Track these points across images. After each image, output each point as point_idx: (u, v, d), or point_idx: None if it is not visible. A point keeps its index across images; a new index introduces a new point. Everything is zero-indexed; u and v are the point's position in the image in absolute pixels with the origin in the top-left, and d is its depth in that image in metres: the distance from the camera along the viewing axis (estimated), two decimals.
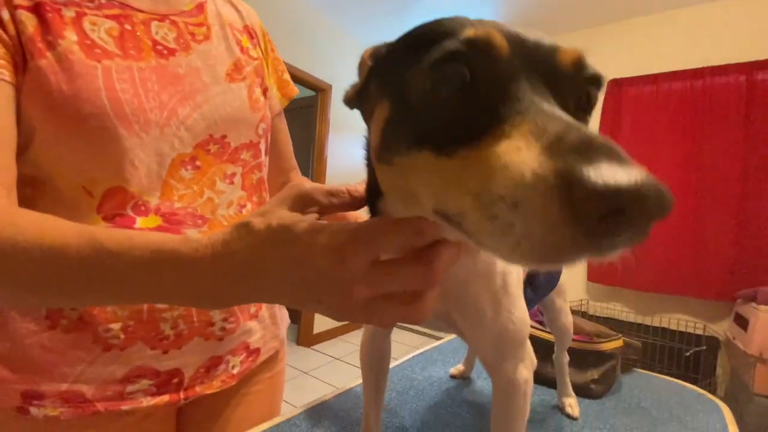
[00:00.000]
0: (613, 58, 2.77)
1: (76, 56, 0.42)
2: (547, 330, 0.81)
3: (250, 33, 0.62)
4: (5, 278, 0.32)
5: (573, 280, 2.87)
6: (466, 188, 0.17)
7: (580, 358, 0.77)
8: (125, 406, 0.47)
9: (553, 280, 0.60)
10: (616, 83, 2.72)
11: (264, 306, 0.59)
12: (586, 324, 0.94)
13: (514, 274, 0.37)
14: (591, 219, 0.13)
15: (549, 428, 0.64)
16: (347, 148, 3.24)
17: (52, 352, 0.45)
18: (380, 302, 0.26)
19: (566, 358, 0.69)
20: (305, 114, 3.28)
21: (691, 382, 0.85)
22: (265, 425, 0.58)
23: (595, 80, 0.20)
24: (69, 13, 0.44)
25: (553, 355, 0.70)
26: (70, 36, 0.43)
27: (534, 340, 0.79)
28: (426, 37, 0.20)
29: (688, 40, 2.57)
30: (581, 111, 0.20)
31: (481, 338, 0.37)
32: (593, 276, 2.77)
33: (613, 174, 0.13)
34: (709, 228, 2.39)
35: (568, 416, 0.66)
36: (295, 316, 2.12)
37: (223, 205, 0.53)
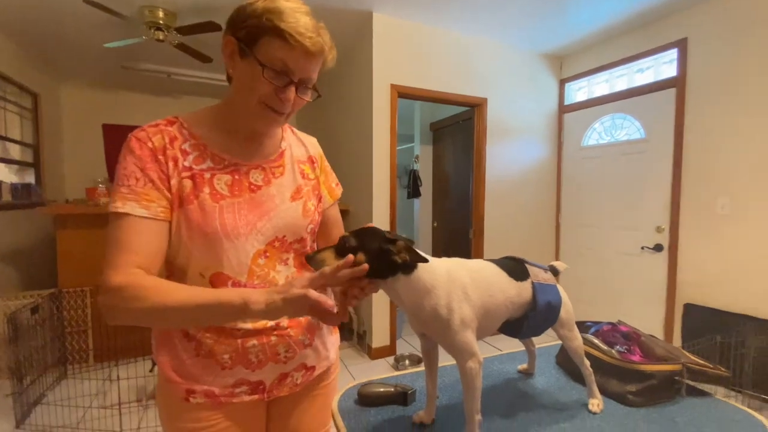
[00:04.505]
0: None
1: (207, 202, 0.71)
2: (603, 349, 1.00)
3: (312, 160, 0.90)
4: (148, 316, 0.63)
5: None
6: None
7: (623, 373, 0.94)
8: (235, 400, 0.77)
9: (549, 319, 0.84)
10: None
11: (316, 338, 0.85)
12: (657, 347, 1.03)
13: (456, 317, 0.70)
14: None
15: (575, 419, 0.86)
16: (502, 153, 3.45)
17: (197, 368, 0.75)
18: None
19: (587, 369, 0.90)
20: (466, 126, 3.63)
21: None
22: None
23: None
24: (207, 175, 0.73)
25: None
26: (206, 190, 0.72)
27: (588, 356, 0.99)
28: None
29: None
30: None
31: (442, 345, 0.73)
32: None
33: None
34: None
35: (589, 411, 0.88)
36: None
37: (281, 279, 0.79)
